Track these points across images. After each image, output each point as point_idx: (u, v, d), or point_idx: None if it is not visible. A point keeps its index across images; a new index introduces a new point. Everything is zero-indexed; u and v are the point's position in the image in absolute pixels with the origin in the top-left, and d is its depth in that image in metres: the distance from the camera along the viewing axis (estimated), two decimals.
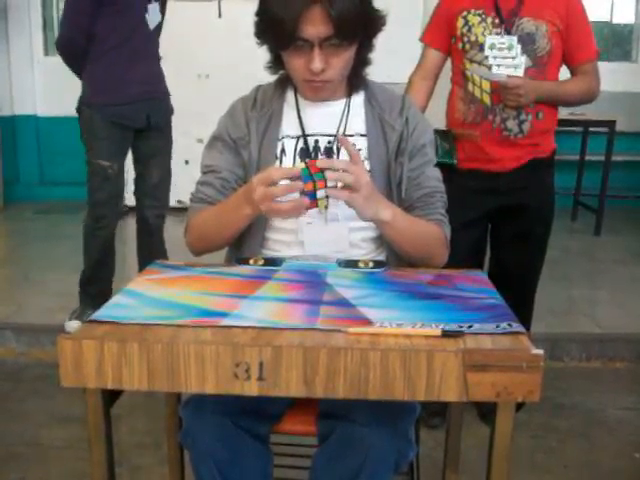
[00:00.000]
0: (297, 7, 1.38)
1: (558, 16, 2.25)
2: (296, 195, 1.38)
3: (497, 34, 2.26)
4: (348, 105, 1.63)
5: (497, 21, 2.27)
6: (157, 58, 3.20)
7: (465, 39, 2.32)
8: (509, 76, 2.23)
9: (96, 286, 3.25)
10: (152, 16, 3.08)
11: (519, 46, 2.25)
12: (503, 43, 2.25)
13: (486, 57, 2.28)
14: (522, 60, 2.25)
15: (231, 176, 1.63)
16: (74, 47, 3.05)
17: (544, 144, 2.38)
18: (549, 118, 2.36)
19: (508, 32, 2.25)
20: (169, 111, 3.28)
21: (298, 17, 1.39)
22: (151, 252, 3.19)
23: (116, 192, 3.15)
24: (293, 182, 1.36)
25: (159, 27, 3.19)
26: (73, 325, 3.15)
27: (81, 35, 3.00)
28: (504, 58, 2.26)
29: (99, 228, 3.14)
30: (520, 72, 2.25)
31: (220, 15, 5.50)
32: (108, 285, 3.28)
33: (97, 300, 3.19)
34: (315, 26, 1.40)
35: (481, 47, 2.29)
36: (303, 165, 1.35)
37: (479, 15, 2.30)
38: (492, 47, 2.26)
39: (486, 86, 2.29)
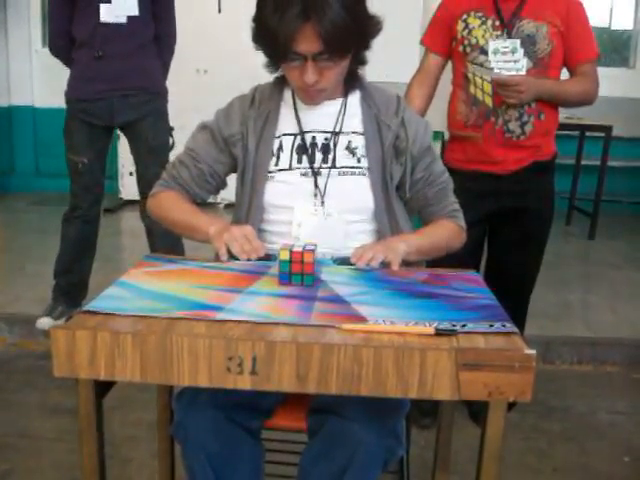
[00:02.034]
0: (290, 24, 1.41)
1: (559, 17, 2.24)
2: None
3: (498, 37, 2.26)
4: (345, 104, 1.65)
5: (497, 23, 2.26)
6: (132, 52, 3.04)
7: (465, 42, 2.32)
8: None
9: (67, 279, 3.22)
10: (116, 10, 2.97)
11: (522, 49, 2.24)
12: (507, 47, 2.25)
13: (488, 61, 2.28)
14: (524, 63, 2.25)
15: (207, 169, 1.69)
16: (56, 47, 3.14)
17: (545, 147, 2.38)
18: (550, 119, 2.35)
19: (509, 34, 2.25)
20: (151, 108, 3.13)
21: (291, 34, 1.42)
22: (153, 250, 3.18)
23: (88, 186, 3.13)
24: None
25: (140, 19, 3.02)
26: (43, 322, 3.12)
27: (59, 36, 3.08)
28: (506, 62, 2.26)
29: (73, 217, 3.17)
30: (522, 74, 2.25)
31: (220, 10, 5.50)
32: (81, 281, 3.24)
33: (69, 296, 3.19)
34: (307, 43, 1.43)
35: (482, 50, 2.28)
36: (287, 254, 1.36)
37: (479, 17, 2.29)
38: (496, 52, 2.26)
39: (488, 88, 2.29)
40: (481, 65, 2.30)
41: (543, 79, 2.28)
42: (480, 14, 2.29)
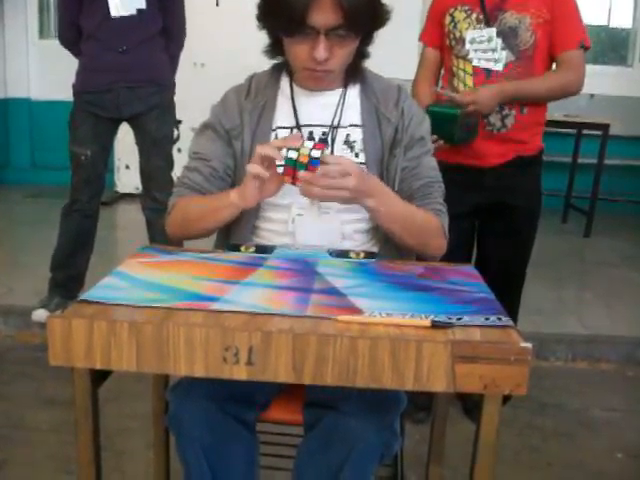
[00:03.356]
0: None
1: (545, 6, 2.22)
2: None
3: (479, 29, 2.27)
4: (344, 96, 1.62)
5: (481, 16, 2.28)
6: (139, 45, 3.06)
7: (451, 35, 2.35)
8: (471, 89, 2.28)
9: (64, 273, 3.22)
10: (126, 3, 2.98)
11: (499, 40, 2.24)
12: (483, 36, 2.26)
13: (467, 51, 2.29)
14: (503, 55, 2.25)
15: (220, 165, 1.62)
16: (66, 39, 3.17)
17: (530, 142, 2.37)
18: (535, 113, 2.33)
19: (489, 26, 2.26)
20: (158, 100, 3.15)
21: (308, 4, 1.37)
22: (152, 242, 3.19)
23: (89, 179, 3.14)
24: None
25: (147, 13, 3.04)
26: (39, 314, 3.13)
27: (68, 28, 3.12)
28: (484, 52, 2.26)
29: (73, 211, 3.17)
30: (500, 66, 2.26)
31: (218, 3, 5.50)
32: (78, 275, 3.24)
33: (66, 289, 3.20)
34: (324, 15, 1.39)
35: (464, 42, 2.30)
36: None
37: (465, 11, 2.31)
38: (472, 41, 2.28)
39: (469, 81, 2.31)
40: (464, 58, 2.31)
41: (507, 83, 2.24)
42: (466, 7, 2.31)
